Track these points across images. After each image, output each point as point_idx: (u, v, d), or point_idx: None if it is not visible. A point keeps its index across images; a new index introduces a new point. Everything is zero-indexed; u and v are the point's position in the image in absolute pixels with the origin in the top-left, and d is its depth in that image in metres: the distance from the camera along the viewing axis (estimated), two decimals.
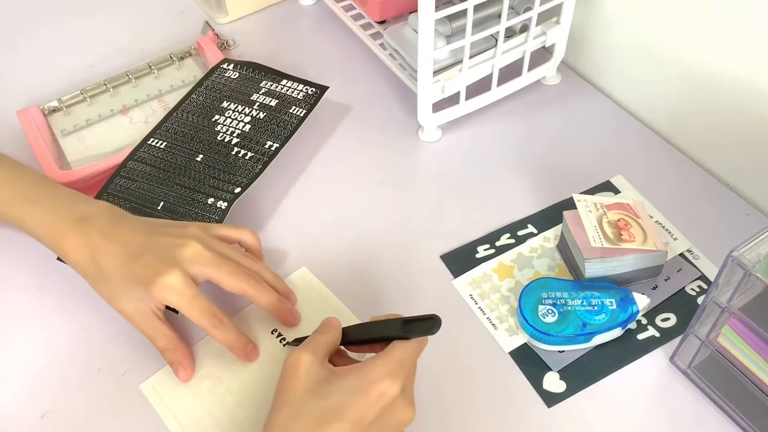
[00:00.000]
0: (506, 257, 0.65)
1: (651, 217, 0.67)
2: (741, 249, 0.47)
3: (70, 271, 0.58)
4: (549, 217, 0.68)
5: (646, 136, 0.76)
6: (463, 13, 0.66)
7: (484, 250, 0.66)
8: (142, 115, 0.77)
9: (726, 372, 0.53)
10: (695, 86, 0.71)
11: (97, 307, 0.60)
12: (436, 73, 0.70)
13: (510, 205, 0.69)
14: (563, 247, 0.64)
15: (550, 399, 0.56)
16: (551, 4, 0.71)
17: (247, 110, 0.73)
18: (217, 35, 0.86)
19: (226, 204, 0.65)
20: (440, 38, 0.71)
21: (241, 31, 0.88)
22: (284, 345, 0.59)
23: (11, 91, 0.80)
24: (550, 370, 0.58)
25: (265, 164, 0.68)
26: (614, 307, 0.58)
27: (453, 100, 0.73)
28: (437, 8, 0.63)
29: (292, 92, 0.75)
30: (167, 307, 0.56)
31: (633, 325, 0.60)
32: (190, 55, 0.84)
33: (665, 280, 0.63)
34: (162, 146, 0.70)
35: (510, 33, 0.75)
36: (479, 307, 0.62)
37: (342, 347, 0.53)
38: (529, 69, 0.76)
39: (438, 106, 0.73)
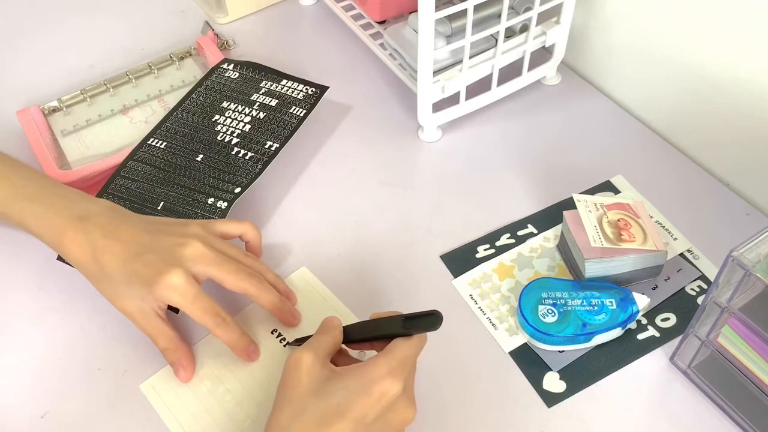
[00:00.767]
0: (506, 257, 0.65)
1: (651, 217, 0.67)
2: (741, 249, 0.47)
3: (71, 270, 0.58)
4: (549, 217, 0.68)
5: (646, 136, 0.76)
6: (463, 13, 0.66)
7: (484, 250, 0.66)
8: (142, 115, 0.77)
9: (726, 372, 0.53)
10: (695, 86, 0.71)
11: (97, 306, 0.60)
12: (436, 73, 0.70)
13: (510, 205, 0.69)
14: (563, 247, 0.64)
15: (550, 399, 0.56)
16: (551, 4, 0.71)
17: (247, 110, 0.73)
18: (217, 35, 0.86)
19: (226, 204, 0.65)
20: (440, 38, 0.71)
21: (241, 31, 0.88)
22: (285, 345, 0.59)
23: (11, 91, 0.80)
24: (550, 370, 0.58)
25: (265, 164, 0.68)
26: (614, 307, 0.58)
27: (453, 100, 0.73)
28: (437, 8, 0.63)
29: (292, 92, 0.75)
30: (168, 307, 0.56)
31: (633, 325, 0.60)
32: (190, 55, 0.84)
33: (665, 280, 0.63)
34: (162, 146, 0.70)
35: (510, 33, 0.75)
36: (479, 307, 0.62)
37: (343, 346, 0.53)
38: (529, 69, 0.76)
39: (438, 106, 0.73)
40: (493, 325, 0.61)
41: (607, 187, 0.71)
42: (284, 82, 0.76)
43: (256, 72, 0.78)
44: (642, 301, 0.58)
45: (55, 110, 0.77)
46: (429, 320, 0.50)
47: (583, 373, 0.58)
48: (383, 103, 0.79)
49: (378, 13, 0.81)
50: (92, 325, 0.61)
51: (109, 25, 0.90)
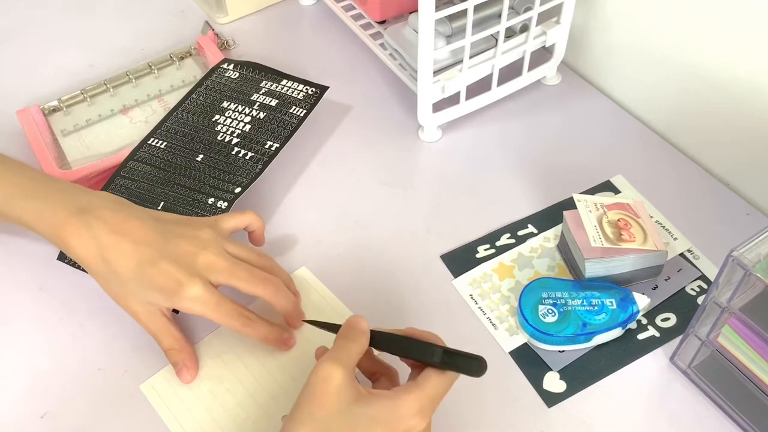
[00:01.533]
0: (506, 257, 0.65)
1: (651, 217, 0.67)
2: (741, 249, 0.47)
3: (71, 270, 0.58)
4: (549, 217, 0.68)
5: (646, 136, 0.76)
6: (463, 13, 0.66)
7: (485, 250, 0.66)
8: (142, 115, 0.77)
9: (726, 372, 0.53)
10: (695, 86, 0.71)
11: (98, 306, 0.60)
12: (436, 73, 0.70)
13: (510, 205, 0.69)
14: (563, 247, 0.64)
15: (550, 399, 0.56)
16: (551, 4, 0.71)
17: (247, 110, 0.73)
18: (217, 35, 0.86)
19: (226, 204, 0.65)
20: (440, 38, 0.71)
21: (241, 31, 0.88)
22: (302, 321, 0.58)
23: (11, 91, 0.80)
24: (550, 370, 0.58)
25: (266, 164, 0.68)
26: (614, 307, 0.58)
27: (453, 100, 0.73)
28: (437, 8, 0.63)
29: (292, 92, 0.75)
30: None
31: (633, 325, 0.60)
32: (190, 55, 0.84)
33: (665, 280, 0.63)
34: (162, 146, 0.70)
35: (510, 33, 0.75)
36: (479, 307, 0.62)
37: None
38: (529, 69, 0.76)
39: (438, 106, 0.73)
40: (493, 325, 0.61)
41: (607, 187, 0.71)
42: (284, 82, 0.76)
43: (256, 72, 0.78)
44: (642, 301, 0.58)
45: (55, 110, 0.77)
46: (471, 365, 0.47)
47: (583, 373, 0.58)
48: (383, 103, 0.79)
49: (378, 13, 0.81)
50: (92, 325, 0.61)
51: (109, 25, 0.90)
